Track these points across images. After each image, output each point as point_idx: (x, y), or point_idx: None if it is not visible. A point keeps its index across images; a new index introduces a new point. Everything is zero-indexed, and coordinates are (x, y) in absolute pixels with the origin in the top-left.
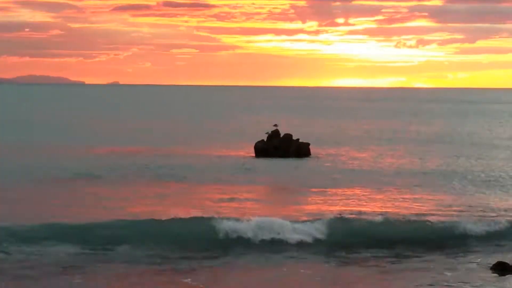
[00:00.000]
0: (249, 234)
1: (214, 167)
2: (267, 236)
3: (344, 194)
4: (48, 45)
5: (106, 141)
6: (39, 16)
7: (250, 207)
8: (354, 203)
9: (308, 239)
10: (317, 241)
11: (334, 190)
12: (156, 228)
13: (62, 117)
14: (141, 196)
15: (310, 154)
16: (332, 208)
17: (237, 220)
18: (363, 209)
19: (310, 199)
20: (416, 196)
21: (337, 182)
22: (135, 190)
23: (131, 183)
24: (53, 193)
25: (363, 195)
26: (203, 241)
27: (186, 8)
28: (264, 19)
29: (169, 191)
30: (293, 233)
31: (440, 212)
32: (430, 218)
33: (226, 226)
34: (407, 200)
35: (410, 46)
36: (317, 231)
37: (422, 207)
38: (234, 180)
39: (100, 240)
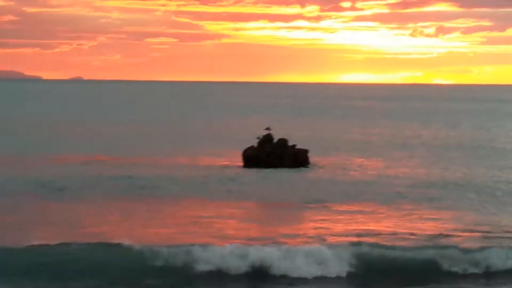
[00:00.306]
0: (232, 264)
1: (194, 179)
2: (253, 267)
3: (349, 212)
4: None
5: (66, 147)
6: None
7: (235, 229)
8: (360, 221)
9: (306, 270)
10: (316, 273)
11: (337, 207)
12: (120, 253)
13: (14, 118)
14: (105, 213)
15: (308, 163)
16: (335, 229)
17: (219, 246)
18: (371, 228)
19: (308, 219)
20: (432, 214)
21: (341, 197)
22: (98, 206)
23: (92, 197)
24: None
25: (371, 212)
26: (175, 273)
27: None
28: (256, 2)
29: (139, 208)
30: (287, 263)
31: (460, 234)
32: (448, 241)
33: (205, 254)
34: (421, 219)
35: (428, 35)
36: (317, 260)
37: (439, 227)
38: (218, 195)
39: (52, 268)
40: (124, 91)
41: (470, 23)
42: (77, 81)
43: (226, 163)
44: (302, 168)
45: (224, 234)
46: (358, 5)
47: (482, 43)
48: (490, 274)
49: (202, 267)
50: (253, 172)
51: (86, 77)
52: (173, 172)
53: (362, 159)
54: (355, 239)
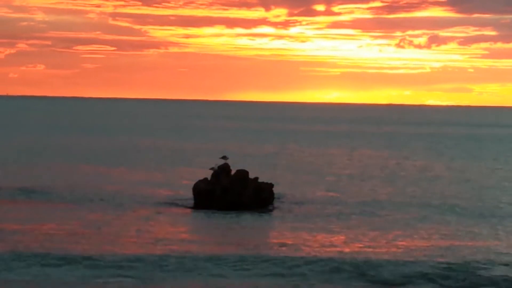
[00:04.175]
0: None
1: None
2: None
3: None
4: None
5: None
6: None
7: None
8: None
9: None
10: None
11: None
12: None
13: None
14: None
15: (273, 200)
16: None
17: None
18: None
19: None
20: None
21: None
22: None
23: None
24: None
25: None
26: None
27: None
28: (211, 4)
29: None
30: None
31: None
32: None
33: None
34: None
35: (419, 46)
36: None
37: None
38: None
39: None
40: (48, 110)
41: (470, 32)
42: None
43: (169, 203)
44: (263, 213)
45: None
46: (335, 8)
47: (484, 56)
48: None
49: None
50: (203, 221)
51: (1, 92)
52: (96, 230)
53: (338, 193)
54: None
